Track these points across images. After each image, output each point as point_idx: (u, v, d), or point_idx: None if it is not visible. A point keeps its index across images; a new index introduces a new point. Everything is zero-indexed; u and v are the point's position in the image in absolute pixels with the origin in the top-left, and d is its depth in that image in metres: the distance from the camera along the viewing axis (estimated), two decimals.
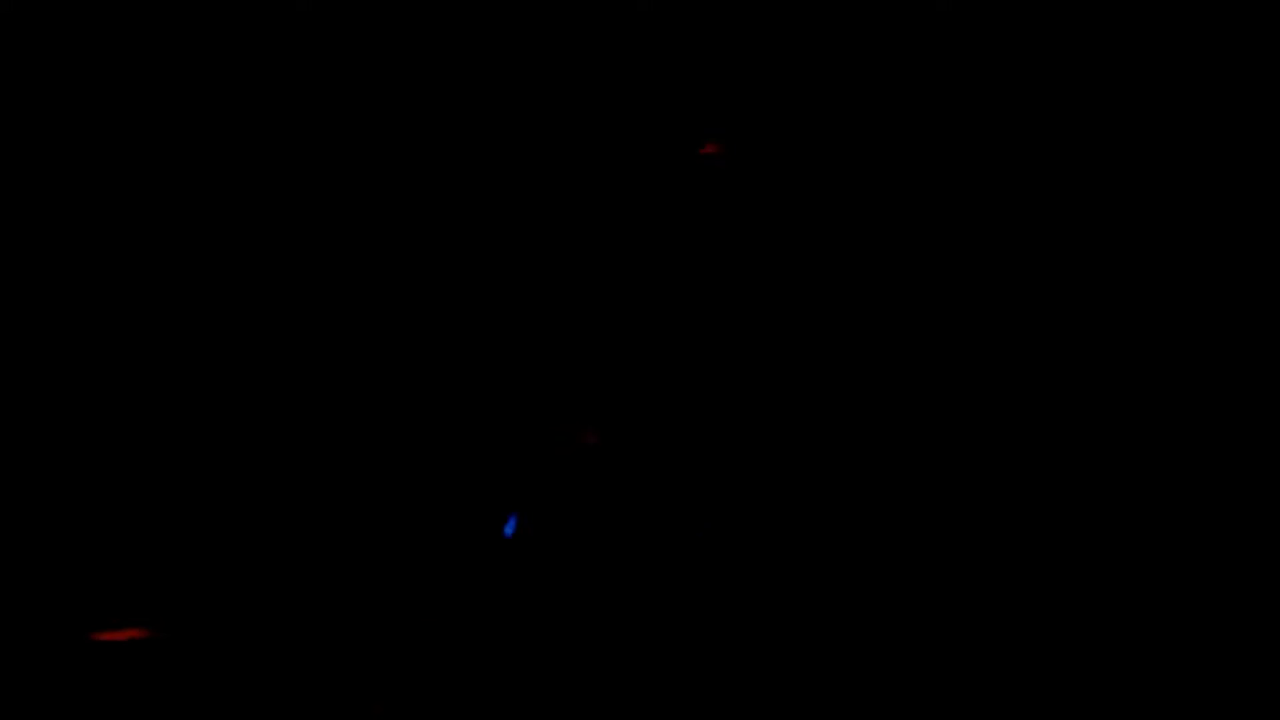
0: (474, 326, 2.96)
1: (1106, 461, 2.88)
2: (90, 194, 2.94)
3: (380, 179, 3.01)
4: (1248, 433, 2.86)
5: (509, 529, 2.81)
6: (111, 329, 2.90)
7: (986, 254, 3.00)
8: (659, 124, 3.07)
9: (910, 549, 2.85)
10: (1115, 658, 2.75)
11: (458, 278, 2.98)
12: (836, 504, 2.88)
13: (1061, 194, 3.01)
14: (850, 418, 2.93)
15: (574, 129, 3.05)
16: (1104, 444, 2.89)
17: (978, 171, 3.02)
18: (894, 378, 2.95)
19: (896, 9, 3.04)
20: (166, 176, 2.97)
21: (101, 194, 2.94)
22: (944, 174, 3.03)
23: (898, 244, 3.01)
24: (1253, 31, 2.98)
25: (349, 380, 2.92)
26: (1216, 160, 2.99)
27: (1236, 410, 2.88)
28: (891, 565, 2.84)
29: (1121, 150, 3.01)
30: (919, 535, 2.85)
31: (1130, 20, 3.02)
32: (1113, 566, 2.81)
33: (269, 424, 2.89)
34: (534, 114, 3.05)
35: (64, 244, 2.92)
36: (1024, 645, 2.77)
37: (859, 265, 3.01)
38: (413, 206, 3.00)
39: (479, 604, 2.80)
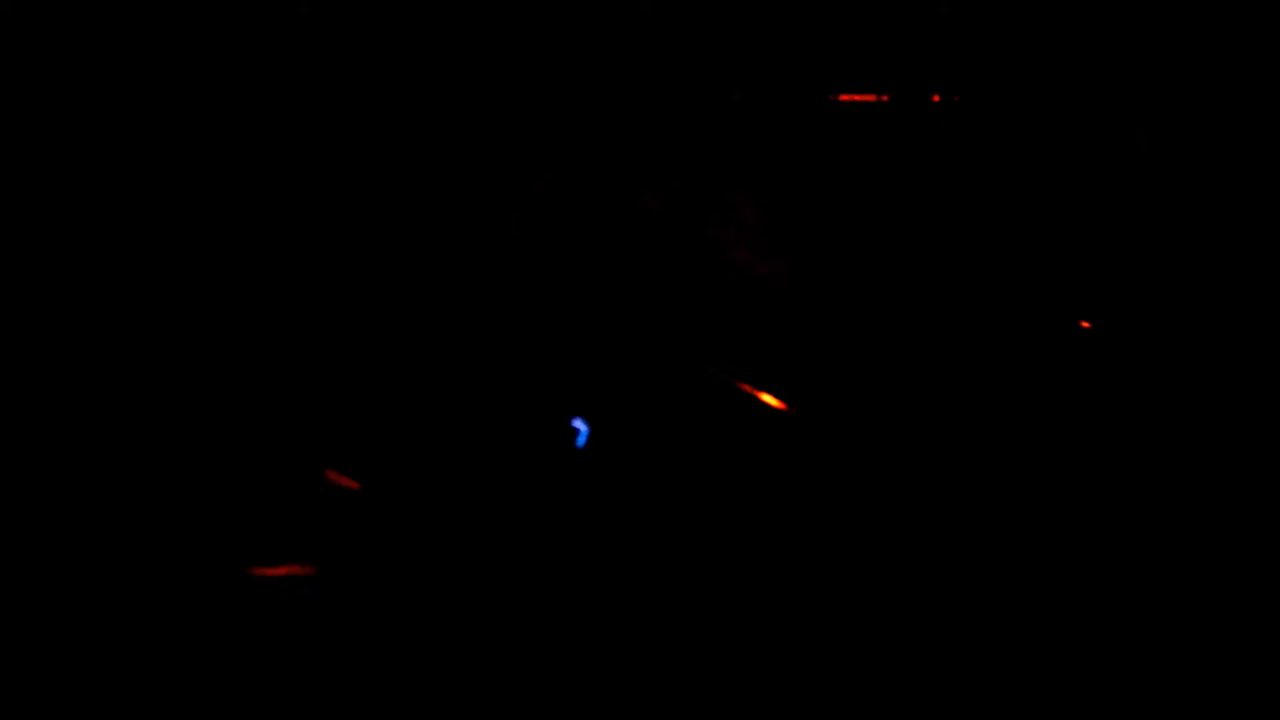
0: (468, 335, 2.97)
1: (1107, 463, 2.89)
2: (91, 194, 2.95)
3: (377, 190, 3.02)
4: (1247, 434, 2.87)
5: (581, 437, 2.80)
6: (112, 328, 2.90)
7: (983, 258, 3.01)
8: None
9: (909, 553, 2.86)
10: (1114, 657, 2.76)
11: (452, 287, 2.99)
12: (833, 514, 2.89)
13: (1064, 198, 3.02)
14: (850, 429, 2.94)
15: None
16: (1105, 449, 2.90)
17: (976, 177, 3.03)
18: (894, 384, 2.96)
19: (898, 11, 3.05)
20: (167, 176, 2.98)
21: (102, 194, 2.95)
22: (944, 179, 3.04)
23: (896, 255, 3.02)
24: (1253, 32, 2.99)
25: (344, 383, 2.93)
26: (1219, 162, 2.99)
27: (1236, 413, 2.89)
28: (890, 568, 2.85)
29: (1125, 156, 3.02)
30: (917, 539, 2.87)
31: (1131, 21, 3.03)
32: (1112, 566, 2.82)
33: (261, 429, 2.90)
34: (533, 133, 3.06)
35: (64, 244, 2.92)
36: (1022, 644, 2.78)
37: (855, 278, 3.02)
38: (409, 218, 3.01)
39: (481, 604, 2.81)
